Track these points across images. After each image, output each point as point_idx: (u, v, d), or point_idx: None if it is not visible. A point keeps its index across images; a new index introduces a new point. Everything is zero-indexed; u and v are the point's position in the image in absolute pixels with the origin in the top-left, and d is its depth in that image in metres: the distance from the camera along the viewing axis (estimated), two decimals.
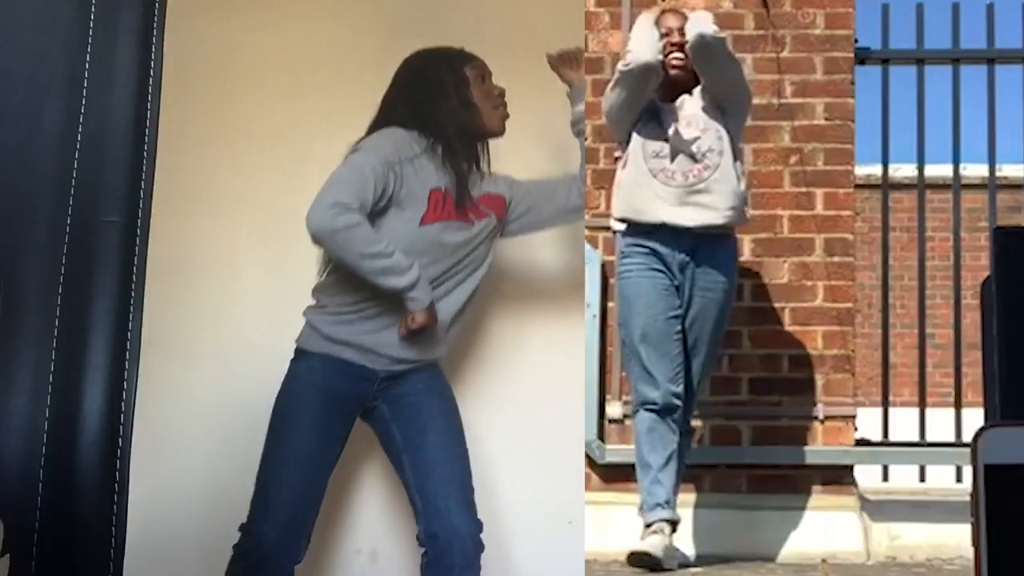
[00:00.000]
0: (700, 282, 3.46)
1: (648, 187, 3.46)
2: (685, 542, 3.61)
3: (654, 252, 3.47)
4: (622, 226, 3.55)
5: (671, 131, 3.47)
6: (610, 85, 3.57)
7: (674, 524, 3.36)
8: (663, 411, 3.39)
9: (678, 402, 3.41)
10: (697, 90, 3.53)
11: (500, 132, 2.70)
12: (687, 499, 3.72)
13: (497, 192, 2.73)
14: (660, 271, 3.46)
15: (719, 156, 3.45)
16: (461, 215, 2.59)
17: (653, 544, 3.28)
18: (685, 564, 3.42)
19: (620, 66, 3.52)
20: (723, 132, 3.47)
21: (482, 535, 2.60)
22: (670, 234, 3.44)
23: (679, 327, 3.45)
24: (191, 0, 2.66)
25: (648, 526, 3.34)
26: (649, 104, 3.54)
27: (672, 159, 3.44)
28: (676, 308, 3.45)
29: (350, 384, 2.57)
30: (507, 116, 2.69)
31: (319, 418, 2.53)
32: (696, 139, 3.45)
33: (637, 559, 3.28)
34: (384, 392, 2.60)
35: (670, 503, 3.36)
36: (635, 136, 3.53)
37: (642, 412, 3.42)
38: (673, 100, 3.54)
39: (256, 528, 2.51)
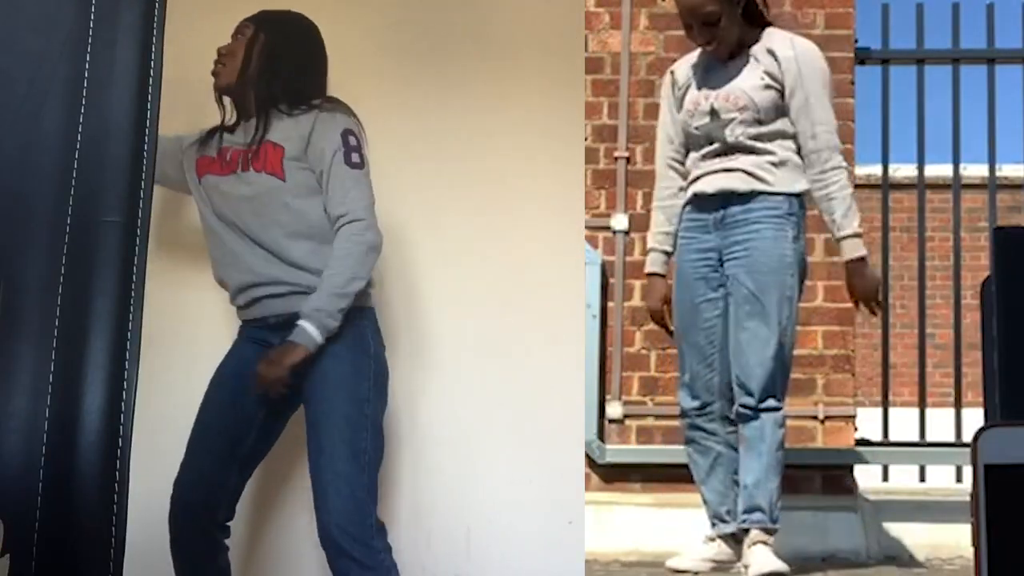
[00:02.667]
0: (737, 238, 3.17)
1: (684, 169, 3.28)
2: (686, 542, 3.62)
3: (692, 225, 3.24)
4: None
5: (707, 109, 3.19)
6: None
7: (728, 535, 3.21)
8: (695, 414, 3.22)
9: (710, 397, 3.20)
10: (761, 48, 3.19)
11: (217, 90, 2.67)
12: (687, 499, 3.72)
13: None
14: (697, 249, 3.22)
15: (753, 142, 3.17)
16: (229, 167, 2.61)
17: (692, 561, 3.20)
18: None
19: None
20: (767, 113, 3.16)
21: (390, 537, 2.53)
22: (703, 200, 3.22)
23: (714, 312, 3.20)
24: (191, 0, 2.66)
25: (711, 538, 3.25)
26: (699, 58, 3.28)
27: (705, 144, 3.20)
28: (711, 290, 3.20)
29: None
30: (217, 73, 2.65)
31: (238, 388, 2.58)
32: (731, 121, 3.17)
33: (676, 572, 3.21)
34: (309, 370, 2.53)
35: (719, 516, 3.21)
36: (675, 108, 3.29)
37: (681, 421, 3.29)
38: (731, 57, 3.22)
39: (177, 484, 2.58)
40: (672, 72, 3.36)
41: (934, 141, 4.17)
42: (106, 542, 2.22)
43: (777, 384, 3.16)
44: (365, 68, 2.94)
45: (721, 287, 3.19)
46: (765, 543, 3.09)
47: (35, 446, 2.18)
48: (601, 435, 3.85)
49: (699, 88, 3.24)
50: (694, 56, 3.31)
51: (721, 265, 3.20)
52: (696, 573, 3.18)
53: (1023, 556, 0.95)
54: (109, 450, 2.22)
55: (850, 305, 3.93)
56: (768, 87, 3.17)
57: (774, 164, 3.17)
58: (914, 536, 3.73)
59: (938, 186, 4.49)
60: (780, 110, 3.18)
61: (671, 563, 3.23)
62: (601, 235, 3.92)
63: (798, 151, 3.19)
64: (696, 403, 3.21)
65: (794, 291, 3.18)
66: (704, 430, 3.21)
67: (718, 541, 3.21)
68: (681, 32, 3.89)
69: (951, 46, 4.12)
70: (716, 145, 3.19)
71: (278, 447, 2.70)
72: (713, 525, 3.22)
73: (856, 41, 4.01)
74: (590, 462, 3.80)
